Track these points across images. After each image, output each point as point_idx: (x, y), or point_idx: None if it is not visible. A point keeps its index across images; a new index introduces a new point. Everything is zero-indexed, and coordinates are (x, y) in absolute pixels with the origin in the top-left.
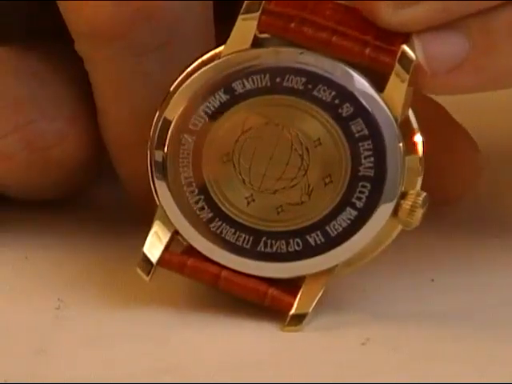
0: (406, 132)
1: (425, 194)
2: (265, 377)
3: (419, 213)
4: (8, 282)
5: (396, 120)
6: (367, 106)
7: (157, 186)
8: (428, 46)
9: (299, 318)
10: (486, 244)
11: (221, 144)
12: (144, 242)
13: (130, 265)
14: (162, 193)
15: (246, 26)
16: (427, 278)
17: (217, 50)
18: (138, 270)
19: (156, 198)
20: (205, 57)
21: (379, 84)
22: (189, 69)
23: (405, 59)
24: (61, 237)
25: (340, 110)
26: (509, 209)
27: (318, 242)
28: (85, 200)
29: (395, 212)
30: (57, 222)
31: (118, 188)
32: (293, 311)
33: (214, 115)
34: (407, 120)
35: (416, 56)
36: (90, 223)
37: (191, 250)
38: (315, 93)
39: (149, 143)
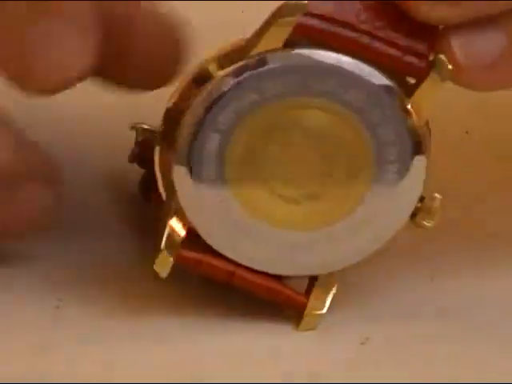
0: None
1: (439, 196)
2: (265, 376)
3: (437, 216)
4: (8, 282)
5: (419, 127)
6: (394, 113)
7: (176, 183)
8: (466, 41)
9: (314, 318)
10: (485, 243)
11: (244, 145)
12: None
13: (130, 265)
14: (181, 190)
15: (280, 28)
16: (427, 278)
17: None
18: (155, 267)
19: (164, 196)
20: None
21: (410, 89)
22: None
23: (439, 67)
24: (61, 236)
25: (369, 115)
26: (509, 208)
27: None
28: (85, 200)
29: (413, 216)
30: (57, 222)
31: (118, 188)
32: (307, 310)
33: (243, 116)
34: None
35: (454, 57)
36: (91, 223)
37: (206, 248)
38: (345, 96)
39: (159, 131)
